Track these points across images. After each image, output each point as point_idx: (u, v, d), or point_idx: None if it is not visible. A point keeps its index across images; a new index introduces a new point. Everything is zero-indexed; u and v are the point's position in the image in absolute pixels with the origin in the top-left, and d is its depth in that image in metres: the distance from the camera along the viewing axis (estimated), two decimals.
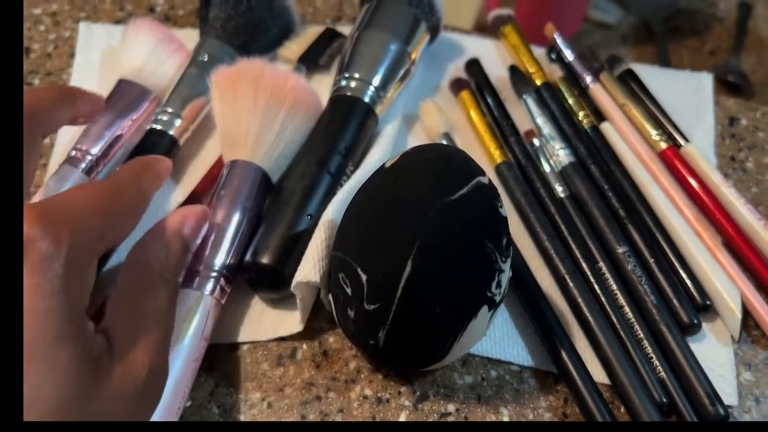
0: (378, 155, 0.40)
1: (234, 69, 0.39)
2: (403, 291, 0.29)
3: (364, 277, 0.30)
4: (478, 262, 0.29)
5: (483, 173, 0.30)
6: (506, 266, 0.30)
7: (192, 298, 0.32)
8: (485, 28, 0.52)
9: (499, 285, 0.30)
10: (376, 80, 0.41)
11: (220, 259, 0.34)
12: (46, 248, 0.22)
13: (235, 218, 0.35)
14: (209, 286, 0.33)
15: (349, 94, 0.41)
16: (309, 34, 0.48)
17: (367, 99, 0.40)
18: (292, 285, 0.33)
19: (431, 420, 0.33)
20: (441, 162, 0.30)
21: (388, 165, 0.31)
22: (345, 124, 0.40)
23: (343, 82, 0.41)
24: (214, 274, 0.33)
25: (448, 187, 0.29)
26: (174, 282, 0.30)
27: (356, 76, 0.41)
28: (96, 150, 0.38)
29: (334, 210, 0.35)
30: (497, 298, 0.30)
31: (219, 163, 0.41)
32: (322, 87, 0.43)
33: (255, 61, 0.40)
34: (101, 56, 0.47)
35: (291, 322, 0.35)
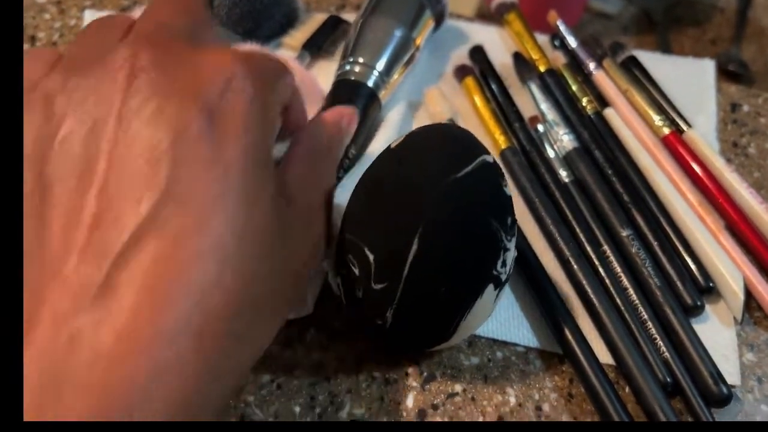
0: (383, 140, 0.40)
1: None
2: (410, 269, 0.29)
3: (371, 257, 0.30)
4: (483, 239, 0.29)
5: (488, 152, 0.31)
6: (511, 245, 0.31)
7: None
8: (489, 15, 0.53)
9: (504, 264, 0.30)
10: (380, 65, 0.41)
11: None
12: (249, 88, 0.23)
13: None
14: None
15: (353, 78, 0.41)
16: (313, 22, 0.48)
17: (371, 83, 0.41)
18: None
19: (438, 400, 0.33)
20: (446, 140, 0.31)
21: (393, 145, 0.32)
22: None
23: (347, 67, 0.41)
24: None
25: (453, 164, 0.29)
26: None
27: (360, 60, 0.41)
28: None
29: (340, 194, 0.35)
30: (503, 277, 0.31)
31: None
32: (326, 73, 0.43)
33: (250, 46, 0.41)
34: None
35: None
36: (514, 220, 0.31)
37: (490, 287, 0.30)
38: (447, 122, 0.43)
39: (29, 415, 0.18)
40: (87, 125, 0.21)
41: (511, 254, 0.31)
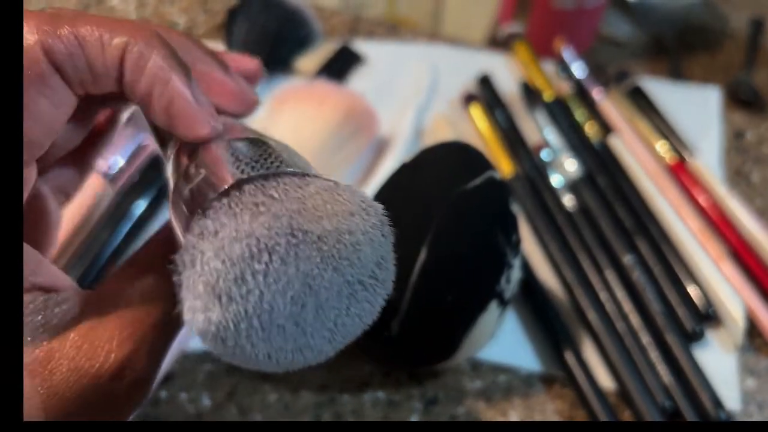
0: (390, 165, 0.41)
1: (305, 86, 0.43)
2: (417, 276, 0.30)
3: None
4: (488, 251, 0.30)
5: (495, 169, 0.32)
6: (515, 263, 0.32)
7: None
8: (497, 43, 0.54)
9: (508, 281, 0.31)
10: None
11: None
12: None
13: None
14: None
15: None
16: (325, 49, 0.50)
17: None
18: None
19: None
20: (456, 154, 0.32)
21: (407, 160, 0.33)
22: None
23: None
24: None
25: (462, 176, 0.31)
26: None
27: None
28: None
29: None
30: (506, 295, 0.32)
31: None
32: None
33: (324, 83, 0.44)
34: None
35: None
36: (519, 240, 0.32)
37: (494, 303, 0.31)
38: (458, 140, 0.44)
39: None
40: None
41: (515, 273, 0.32)
